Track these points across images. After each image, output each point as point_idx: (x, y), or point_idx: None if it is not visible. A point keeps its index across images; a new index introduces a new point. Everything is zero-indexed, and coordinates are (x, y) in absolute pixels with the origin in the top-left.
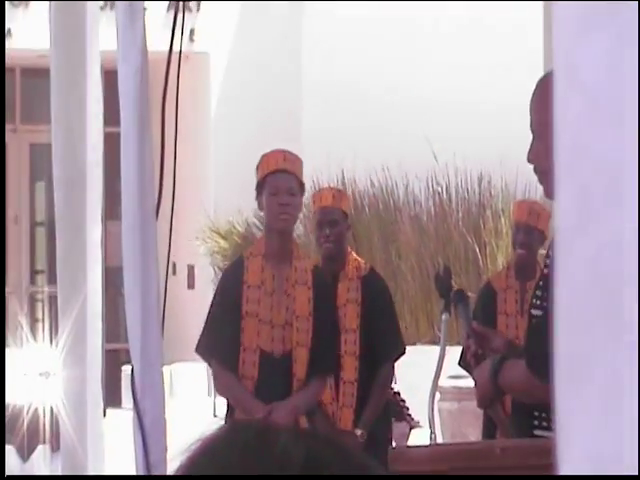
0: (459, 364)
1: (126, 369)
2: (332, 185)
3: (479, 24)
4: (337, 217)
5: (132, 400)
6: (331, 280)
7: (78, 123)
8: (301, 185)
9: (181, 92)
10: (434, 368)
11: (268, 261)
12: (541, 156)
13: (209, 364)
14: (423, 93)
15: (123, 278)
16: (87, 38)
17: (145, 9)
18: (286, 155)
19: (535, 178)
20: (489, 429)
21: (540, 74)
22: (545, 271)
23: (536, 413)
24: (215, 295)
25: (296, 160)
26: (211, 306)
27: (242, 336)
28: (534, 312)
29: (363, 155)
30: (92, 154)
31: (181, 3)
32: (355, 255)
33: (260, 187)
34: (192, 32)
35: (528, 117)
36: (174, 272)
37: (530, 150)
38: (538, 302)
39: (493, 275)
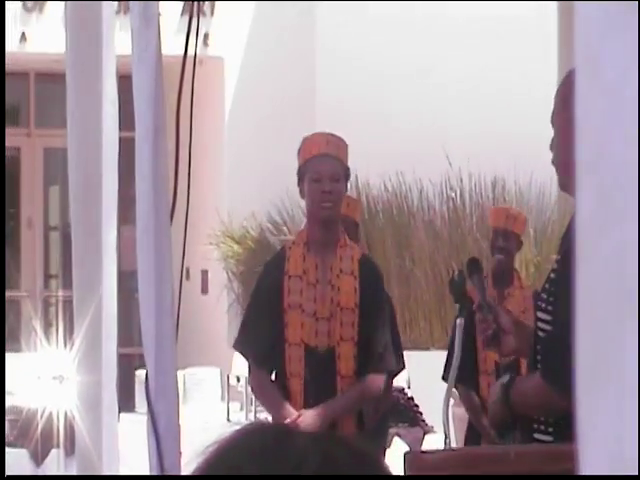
0: (443, 378)
1: (140, 373)
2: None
3: (494, 26)
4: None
5: (146, 404)
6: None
7: (94, 126)
8: (346, 170)
9: (195, 97)
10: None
11: (310, 250)
12: (560, 149)
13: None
14: (437, 98)
15: (136, 282)
16: (103, 41)
17: (159, 14)
18: (329, 138)
19: (549, 182)
20: (473, 438)
21: (554, 78)
22: (552, 275)
23: (536, 417)
24: (254, 289)
25: (340, 143)
26: (250, 300)
27: (286, 331)
28: (541, 315)
29: (377, 160)
30: (108, 157)
31: (195, 7)
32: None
33: (301, 173)
34: (206, 36)
35: (542, 123)
36: (187, 277)
37: (552, 142)
38: (544, 305)
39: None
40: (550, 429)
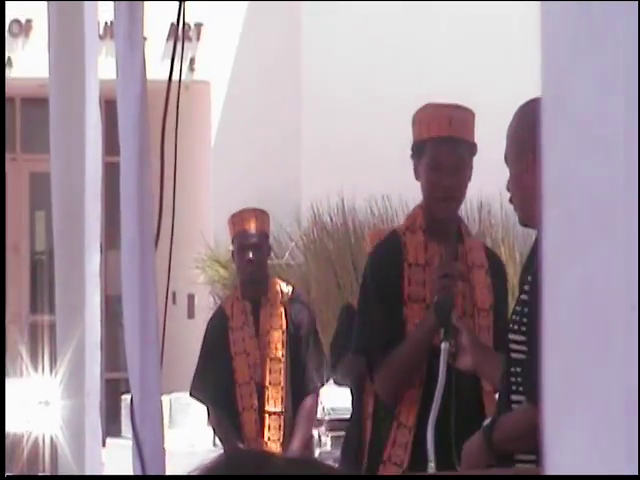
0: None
1: (126, 398)
2: (254, 207)
3: (483, 45)
4: (260, 241)
5: (131, 429)
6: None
7: (77, 151)
8: (471, 150)
9: (181, 121)
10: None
11: (431, 237)
12: (511, 186)
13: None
14: None
15: (122, 307)
16: (85, 65)
17: (145, 38)
18: (453, 114)
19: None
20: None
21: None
22: (523, 297)
23: (512, 379)
24: (366, 276)
25: (466, 116)
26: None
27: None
28: (514, 337)
29: (363, 185)
30: (91, 183)
31: (180, 32)
32: (278, 280)
33: (417, 150)
34: (192, 61)
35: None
36: (174, 301)
37: (508, 182)
38: (517, 327)
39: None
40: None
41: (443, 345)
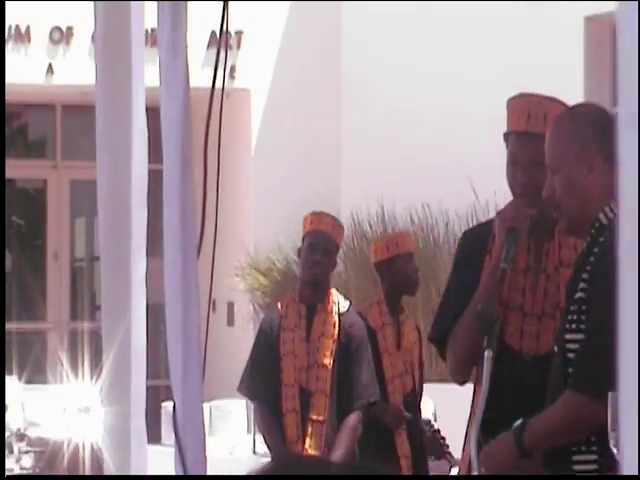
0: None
1: (166, 405)
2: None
3: (525, 54)
4: (331, 247)
5: (174, 436)
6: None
7: (124, 158)
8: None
9: (222, 129)
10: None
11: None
12: (554, 190)
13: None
14: (464, 131)
15: (163, 315)
16: (132, 73)
17: (187, 46)
18: (535, 108)
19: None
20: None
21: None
22: (580, 295)
23: (572, 442)
24: (457, 261)
25: (554, 108)
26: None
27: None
28: (571, 336)
29: (403, 192)
30: (137, 190)
31: (223, 40)
32: (336, 292)
33: (506, 144)
34: (232, 69)
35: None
36: (214, 309)
37: (547, 187)
38: (575, 326)
39: (365, 311)
40: (593, 448)
41: (486, 353)
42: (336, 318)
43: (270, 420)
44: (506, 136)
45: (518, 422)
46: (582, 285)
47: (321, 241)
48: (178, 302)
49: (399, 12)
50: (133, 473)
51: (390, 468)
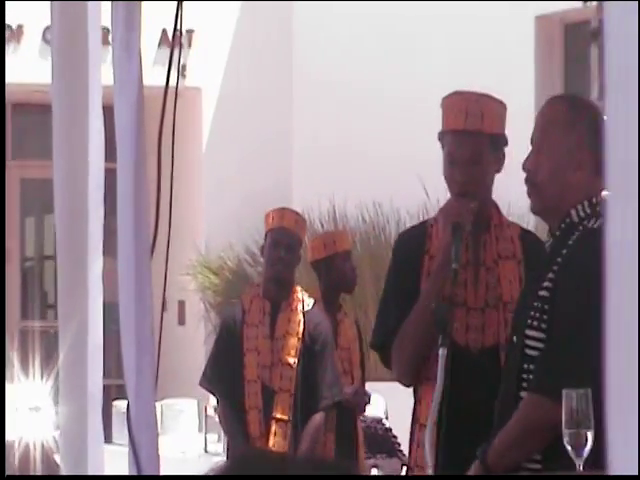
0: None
1: (116, 404)
2: (297, 211)
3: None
4: (295, 243)
5: (127, 435)
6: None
7: (80, 157)
8: (496, 141)
9: (167, 127)
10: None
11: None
12: (537, 169)
13: None
14: (413, 129)
15: (114, 314)
16: (89, 72)
17: (140, 46)
18: (470, 107)
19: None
20: None
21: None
22: (543, 293)
23: (524, 375)
24: (388, 268)
25: (489, 106)
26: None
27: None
28: (531, 333)
29: (354, 191)
30: (94, 188)
31: (177, 38)
32: (300, 289)
33: (441, 140)
34: (184, 68)
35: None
36: (164, 308)
37: (527, 159)
38: (536, 323)
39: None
40: (538, 457)
41: (441, 351)
42: (301, 316)
43: (232, 415)
44: (441, 135)
45: (481, 447)
46: (547, 284)
47: (284, 237)
48: (131, 301)
49: (350, 11)
50: (90, 473)
51: (354, 465)
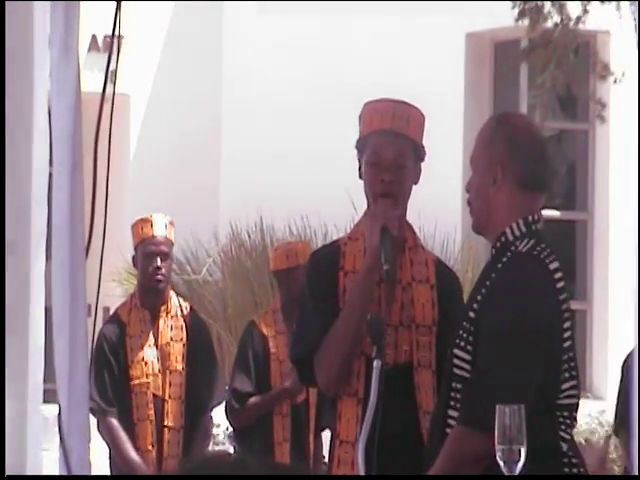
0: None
1: (44, 408)
2: (162, 214)
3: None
4: (168, 249)
5: (58, 439)
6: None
7: (25, 158)
8: (416, 150)
9: (101, 134)
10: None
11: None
12: (469, 188)
13: None
14: (342, 143)
15: (50, 318)
16: (34, 74)
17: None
18: (397, 110)
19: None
20: None
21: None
22: (472, 314)
23: (452, 394)
24: (303, 286)
25: (412, 113)
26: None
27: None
28: (459, 353)
29: (282, 203)
30: (38, 188)
31: (115, 44)
32: (173, 292)
33: (360, 147)
34: (113, 73)
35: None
36: (89, 314)
37: (468, 182)
38: (463, 344)
39: (259, 317)
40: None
41: (375, 363)
42: (182, 321)
43: (120, 431)
44: (363, 140)
45: None
46: (475, 306)
47: (158, 246)
48: (65, 305)
49: (281, 19)
50: (29, 473)
51: (305, 467)
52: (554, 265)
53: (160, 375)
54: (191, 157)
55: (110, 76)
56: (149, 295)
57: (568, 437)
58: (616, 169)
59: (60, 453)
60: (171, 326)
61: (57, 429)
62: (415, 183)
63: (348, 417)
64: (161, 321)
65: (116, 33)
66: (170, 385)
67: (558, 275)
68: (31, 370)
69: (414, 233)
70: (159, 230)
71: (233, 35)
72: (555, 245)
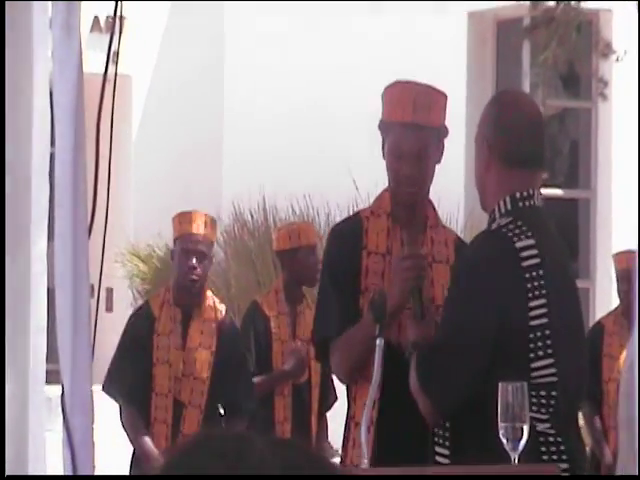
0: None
1: (47, 389)
2: (205, 212)
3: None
4: (207, 249)
5: (62, 419)
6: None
7: (25, 140)
8: (439, 133)
9: (103, 114)
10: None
11: (395, 222)
12: (477, 174)
13: None
14: (345, 123)
15: (53, 299)
16: (34, 56)
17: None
18: (418, 99)
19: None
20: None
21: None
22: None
23: (435, 430)
24: (323, 265)
25: (434, 98)
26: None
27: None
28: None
29: (284, 183)
30: (39, 169)
31: (117, 24)
32: (211, 293)
33: (382, 132)
34: (115, 54)
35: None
36: (92, 295)
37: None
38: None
39: (262, 297)
40: (447, 443)
41: (378, 341)
42: (214, 326)
43: (140, 424)
44: (385, 125)
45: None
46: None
47: (195, 244)
48: (68, 285)
49: (282, 4)
50: (31, 462)
51: (308, 444)
52: (523, 243)
53: (183, 379)
54: (193, 138)
55: (112, 57)
56: (182, 294)
57: (545, 417)
58: (619, 147)
59: (63, 432)
60: (202, 331)
61: (60, 409)
62: (438, 162)
63: (363, 400)
64: (192, 323)
65: (118, 14)
66: (192, 392)
67: (526, 253)
68: (33, 350)
69: (435, 211)
70: (197, 228)
71: (235, 16)
72: (558, 223)
